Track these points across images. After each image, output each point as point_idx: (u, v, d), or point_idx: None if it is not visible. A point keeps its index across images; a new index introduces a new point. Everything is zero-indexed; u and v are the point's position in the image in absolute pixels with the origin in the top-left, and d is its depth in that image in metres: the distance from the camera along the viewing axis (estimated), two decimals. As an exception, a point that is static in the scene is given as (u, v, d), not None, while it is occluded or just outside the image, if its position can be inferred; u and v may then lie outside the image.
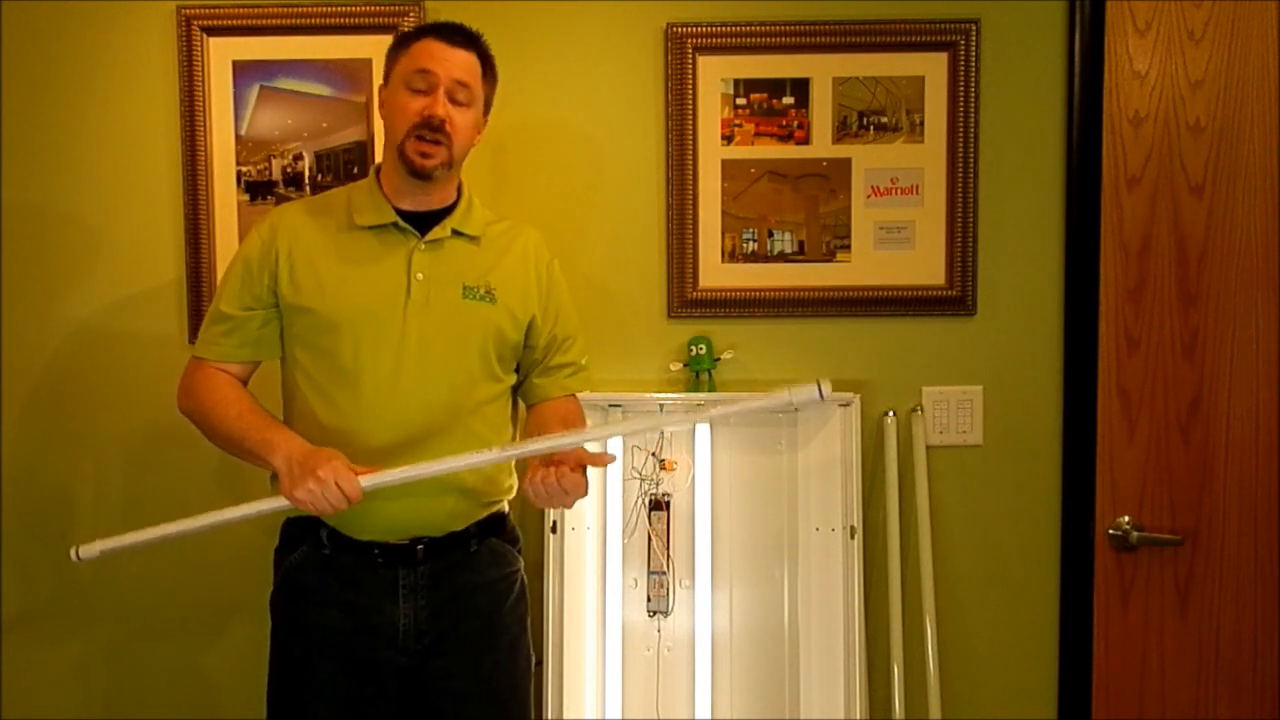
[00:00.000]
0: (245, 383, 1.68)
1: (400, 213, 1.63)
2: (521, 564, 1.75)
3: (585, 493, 1.53)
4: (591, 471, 1.88)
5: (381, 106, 1.65)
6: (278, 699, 1.66)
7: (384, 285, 1.60)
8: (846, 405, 1.96)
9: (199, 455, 2.03)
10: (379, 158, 1.98)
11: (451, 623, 1.64)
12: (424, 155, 1.57)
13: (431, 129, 1.56)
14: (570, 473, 1.50)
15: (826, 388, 1.41)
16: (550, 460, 1.52)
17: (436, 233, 1.63)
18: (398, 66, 1.61)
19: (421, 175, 1.59)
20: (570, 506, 1.57)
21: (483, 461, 1.52)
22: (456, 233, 1.65)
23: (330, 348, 1.59)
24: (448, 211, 1.66)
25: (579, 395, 1.78)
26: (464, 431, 1.61)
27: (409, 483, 1.50)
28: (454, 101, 1.58)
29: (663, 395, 2.00)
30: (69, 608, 2.09)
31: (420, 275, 1.61)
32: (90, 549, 1.54)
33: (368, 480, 1.48)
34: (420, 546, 1.62)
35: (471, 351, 1.63)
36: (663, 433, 2.00)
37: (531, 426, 1.72)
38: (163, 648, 2.10)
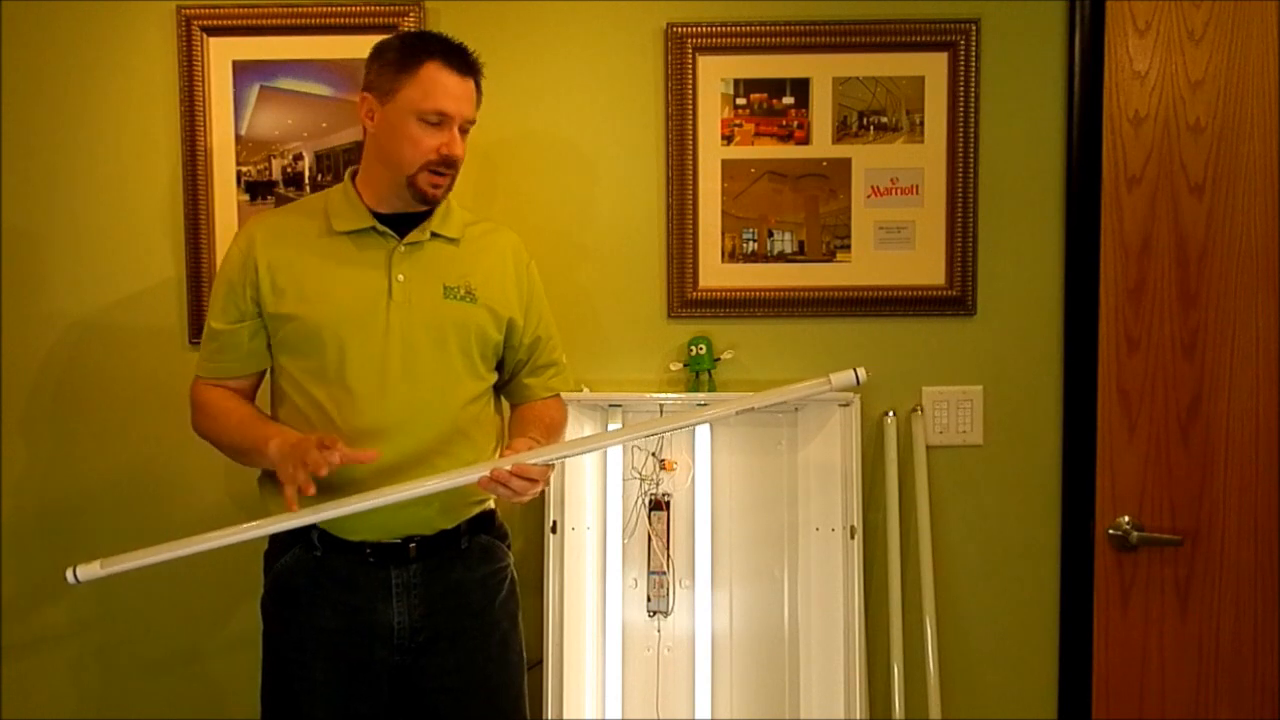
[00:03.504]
0: (253, 396, 1.71)
1: (379, 216, 1.64)
2: (511, 560, 1.77)
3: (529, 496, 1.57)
4: (591, 473, 1.91)
5: (374, 119, 1.61)
6: (272, 701, 1.66)
7: (366, 288, 1.61)
8: (846, 405, 1.96)
9: (201, 456, 2.04)
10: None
11: (445, 620, 1.65)
12: (435, 187, 1.61)
13: (448, 165, 1.60)
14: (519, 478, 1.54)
15: (862, 373, 1.55)
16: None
17: (415, 235, 1.65)
18: (405, 92, 1.57)
19: (431, 203, 1.63)
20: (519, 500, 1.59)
21: (472, 477, 1.53)
22: (435, 235, 1.67)
23: (316, 352, 1.60)
24: (426, 214, 1.67)
25: (574, 394, 1.84)
26: (450, 429, 1.63)
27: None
28: (461, 133, 1.61)
29: (663, 395, 2.00)
30: (68, 608, 2.09)
31: (401, 277, 1.62)
32: (89, 569, 1.50)
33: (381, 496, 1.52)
34: (412, 545, 1.63)
35: (454, 350, 1.64)
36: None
37: (516, 424, 1.76)
38: (159, 649, 2.10)
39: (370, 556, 1.62)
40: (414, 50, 1.59)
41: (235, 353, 1.65)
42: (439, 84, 1.57)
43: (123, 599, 2.08)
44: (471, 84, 1.61)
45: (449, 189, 1.64)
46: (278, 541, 1.67)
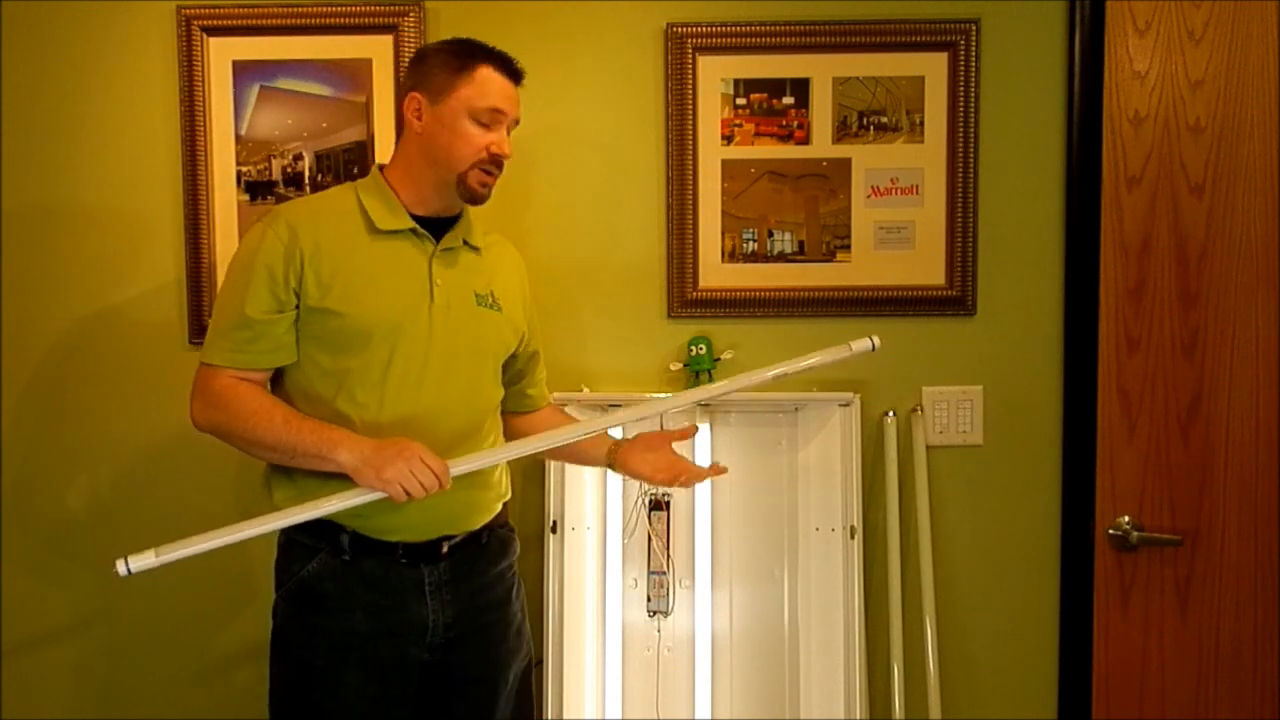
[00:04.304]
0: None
1: (414, 218, 1.64)
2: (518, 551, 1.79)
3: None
4: (591, 473, 1.93)
5: (421, 118, 1.60)
6: (291, 711, 1.62)
7: (410, 291, 1.60)
8: (846, 405, 1.96)
9: (201, 455, 2.04)
10: (378, 157, 1.98)
11: (472, 615, 1.66)
12: (484, 185, 1.62)
13: (497, 165, 1.62)
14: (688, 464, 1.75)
15: (877, 341, 1.66)
16: (650, 444, 1.76)
17: (449, 241, 1.65)
18: (460, 93, 1.59)
19: (478, 202, 1.64)
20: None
21: (563, 439, 1.66)
22: (465, 242, 1.68)
23: (362, 352, 1.57)
24: (452, 220, 1.67)
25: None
26: (477, 435, 1.64)
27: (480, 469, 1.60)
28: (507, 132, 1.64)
29: (663, 395, 2.00)
30: (69, 610, 2.09)
31: (439, 282, 1.62)
32: (142, 559, 1.44)
33: (454, 466, 1.53)
34: (445, 544, 1.63)
35: (486, 358, 1.66)
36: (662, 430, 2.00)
37: (532, 432, 1.76)
38: (165, 651, 2.10)
39: (402, 557, 1.61)
40: (469, 53, 1.61)
41: (268, 344, 1.57)
42: (494, 84, 1.60)
43: (128, 598, 2.08)
44: (517, 90, 1.65)
45: (491, 189, 1.65)
46: (297, 547, 1.63)
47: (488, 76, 1.60)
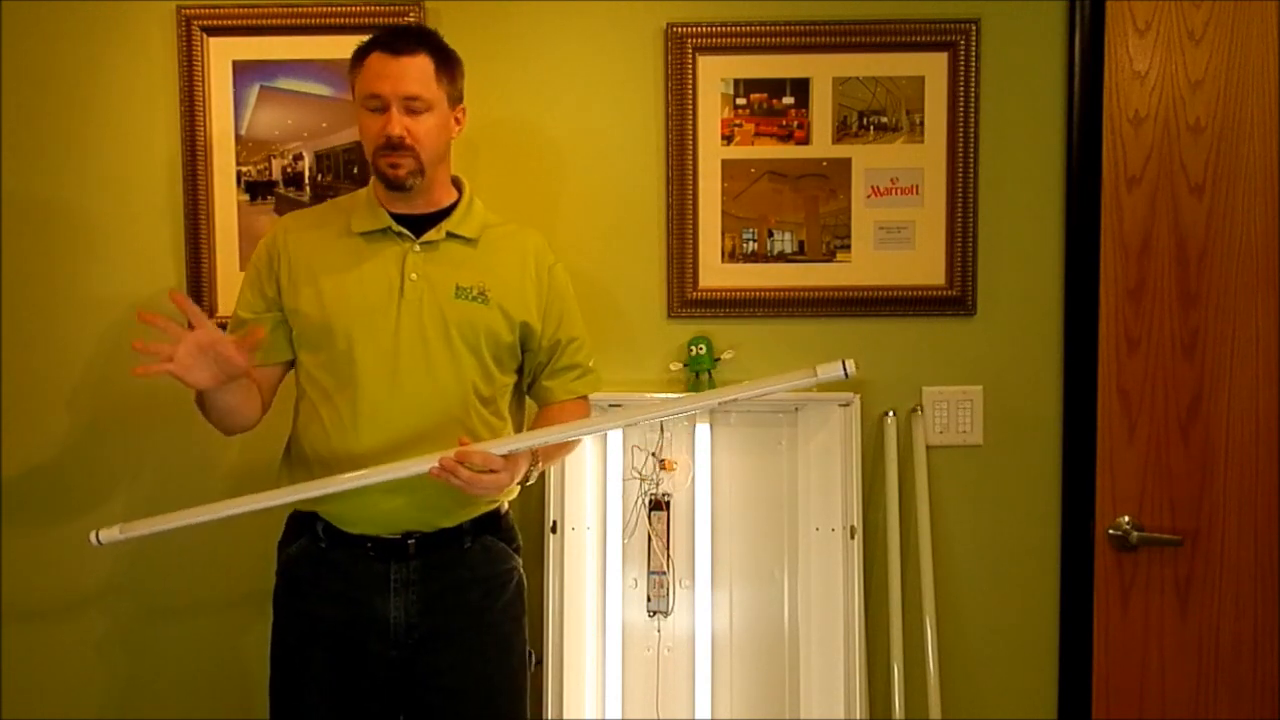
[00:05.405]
0: (274, 388, 1.73)
1: (397, 216, 1.67)
2: (519, 563, 1.76)
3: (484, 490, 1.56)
4: (591, 473, 1.91)
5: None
6: (278, 687, 1.69)
7: (378, 287, 1.64)
8: (846, 405, 1.96)
9: (198, 453, 2.04)
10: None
11: (442, 619, 1.66)
12: (393, 167, 1.61)
13: (392, 147, 1.59)
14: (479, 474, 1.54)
15: (851, 366, 1.48)
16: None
17: (431, 235, 1.67)
18: (356, 85, 1.63)
19: (397, 186, 1.63)
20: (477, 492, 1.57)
21: (423, 467, 1.53)
22: (452, 235, 1.68)
23: (327, 346, 1.64)
24: (446, 213, 1.68)
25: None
26: (460, 430, 1.63)
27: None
28: (410, 112, 1.60)
29: (663, 396, 2.00)
30: (73, 599, 2.10)
31: (414, 276, 1.64)
32: (110, 532, 1.61)
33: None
34: (410, 541, 1.64)
35: (464, 351, 1.65)
36: (663, 431, 2.00)
37: (537, 427, 1.76)
38: (171, 637, 2.10)
39: (370, 551, 1.64)
40: (364, 47, 1.63)
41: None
42: (373, 70, 1.60)
43: (137, 585, 2.08)
44: (414, 60, 1.59)
45: (414, 171, 1.61)
46: (290, 529, 1.72)
47: (369, 63, 1.60)
